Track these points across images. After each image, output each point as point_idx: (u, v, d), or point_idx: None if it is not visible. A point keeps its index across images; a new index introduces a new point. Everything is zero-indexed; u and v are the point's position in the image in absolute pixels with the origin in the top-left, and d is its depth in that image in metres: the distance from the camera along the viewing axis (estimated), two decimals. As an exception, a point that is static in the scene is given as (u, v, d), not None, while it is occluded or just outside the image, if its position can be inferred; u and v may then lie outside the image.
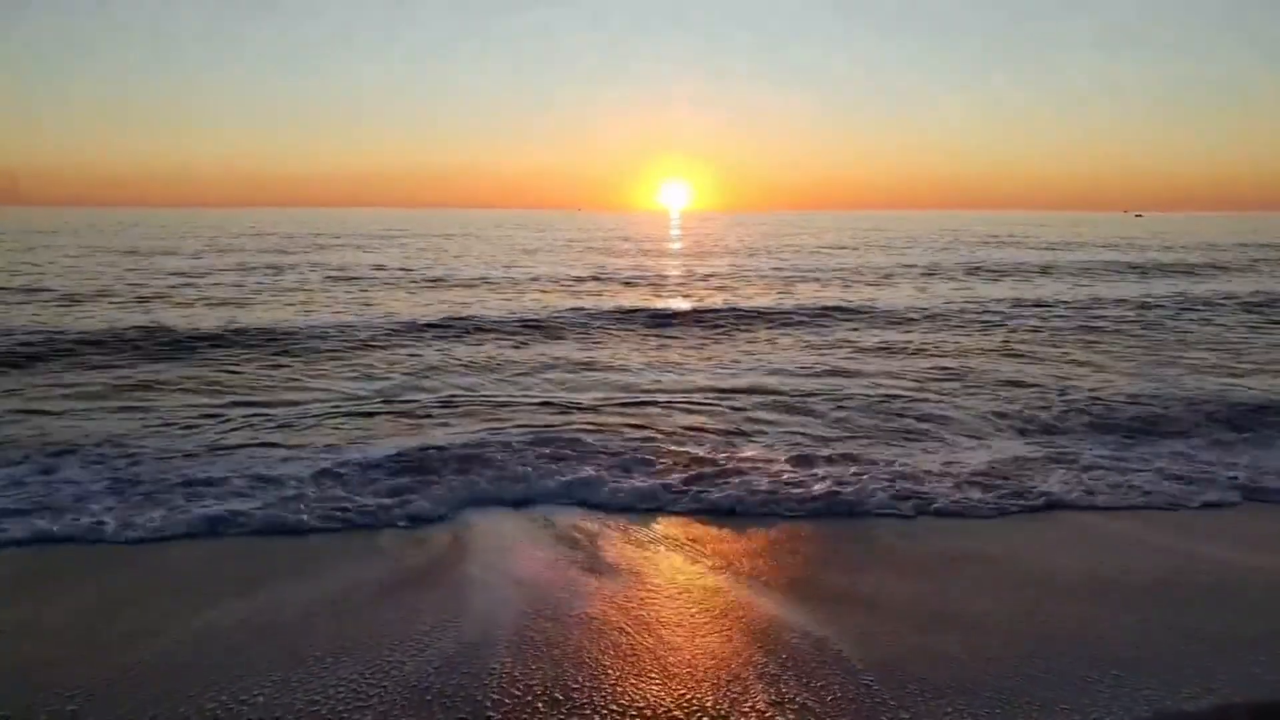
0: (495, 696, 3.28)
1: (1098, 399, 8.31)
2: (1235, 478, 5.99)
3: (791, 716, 3.17)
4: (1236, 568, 4.55)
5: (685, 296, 18.11)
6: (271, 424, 7.26)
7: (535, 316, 14.21)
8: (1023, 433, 7.28)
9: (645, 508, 5.42)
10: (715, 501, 5.47)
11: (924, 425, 7.40)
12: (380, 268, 24.25)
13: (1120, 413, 7.77)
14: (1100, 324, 14.17)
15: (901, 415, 7.72)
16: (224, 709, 3.19)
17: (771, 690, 3.33)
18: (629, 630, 3.81)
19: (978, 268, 25.90)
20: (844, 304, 16.47)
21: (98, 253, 28.49)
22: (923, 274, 23.99)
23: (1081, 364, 10.57)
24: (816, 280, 21.97)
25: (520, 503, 5.52)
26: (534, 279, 21.70)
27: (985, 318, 14.95)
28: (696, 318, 14.56)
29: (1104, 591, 4.26)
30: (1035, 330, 13.54)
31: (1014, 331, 13.38)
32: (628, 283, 21.03)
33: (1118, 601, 4.14)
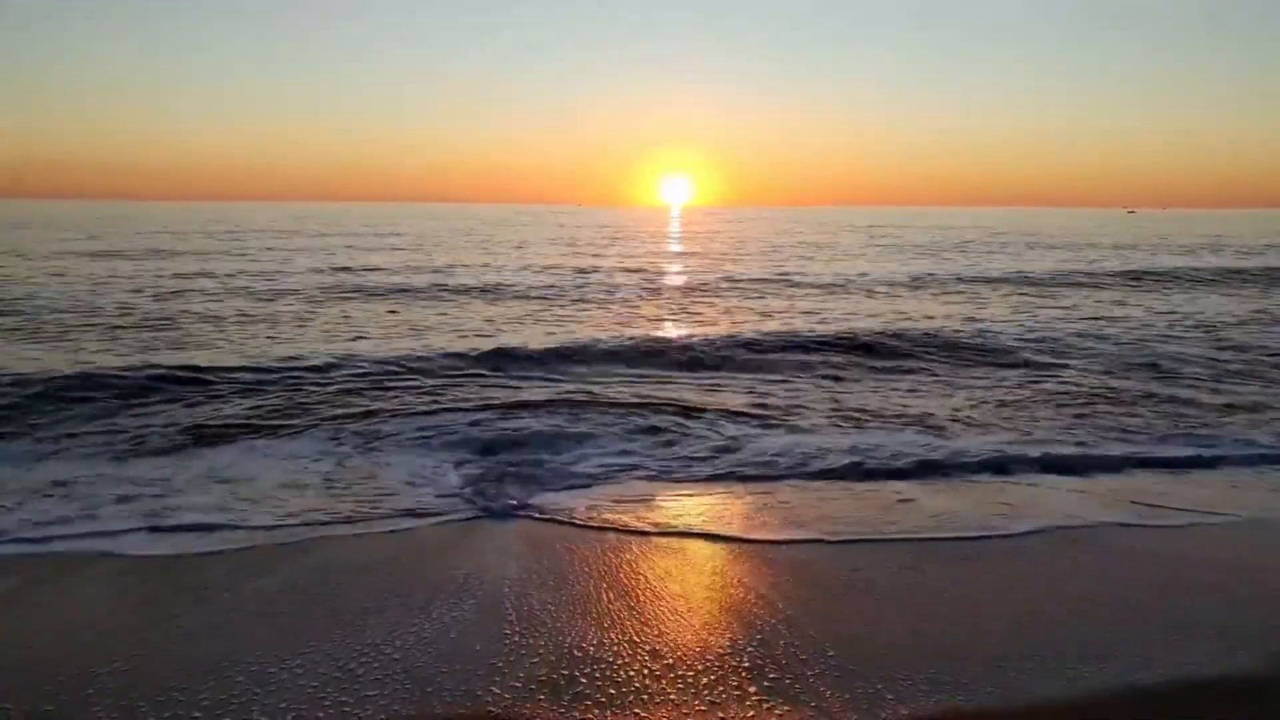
0: (496, 691, 3.35)
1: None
2: None
3: (785, 707, 3.23)
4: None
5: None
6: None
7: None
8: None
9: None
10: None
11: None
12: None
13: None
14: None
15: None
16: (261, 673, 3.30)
17: (763, 678, 3.39)
18: (628, 617, 3.88)
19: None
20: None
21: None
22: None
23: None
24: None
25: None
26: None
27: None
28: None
29: (1089, 589, 4.33)
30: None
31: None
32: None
33: (1102, 599, 4.22)
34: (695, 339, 12.10)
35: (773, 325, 13.62)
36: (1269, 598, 4.23)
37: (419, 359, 10.20)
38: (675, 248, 37.34)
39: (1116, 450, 6.70)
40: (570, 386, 8.85)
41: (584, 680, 3.39)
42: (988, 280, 22.00)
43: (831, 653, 3.60)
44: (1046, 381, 9.47)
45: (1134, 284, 21.40)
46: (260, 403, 8.00)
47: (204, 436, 6.87)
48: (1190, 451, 6.67)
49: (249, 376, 9.07)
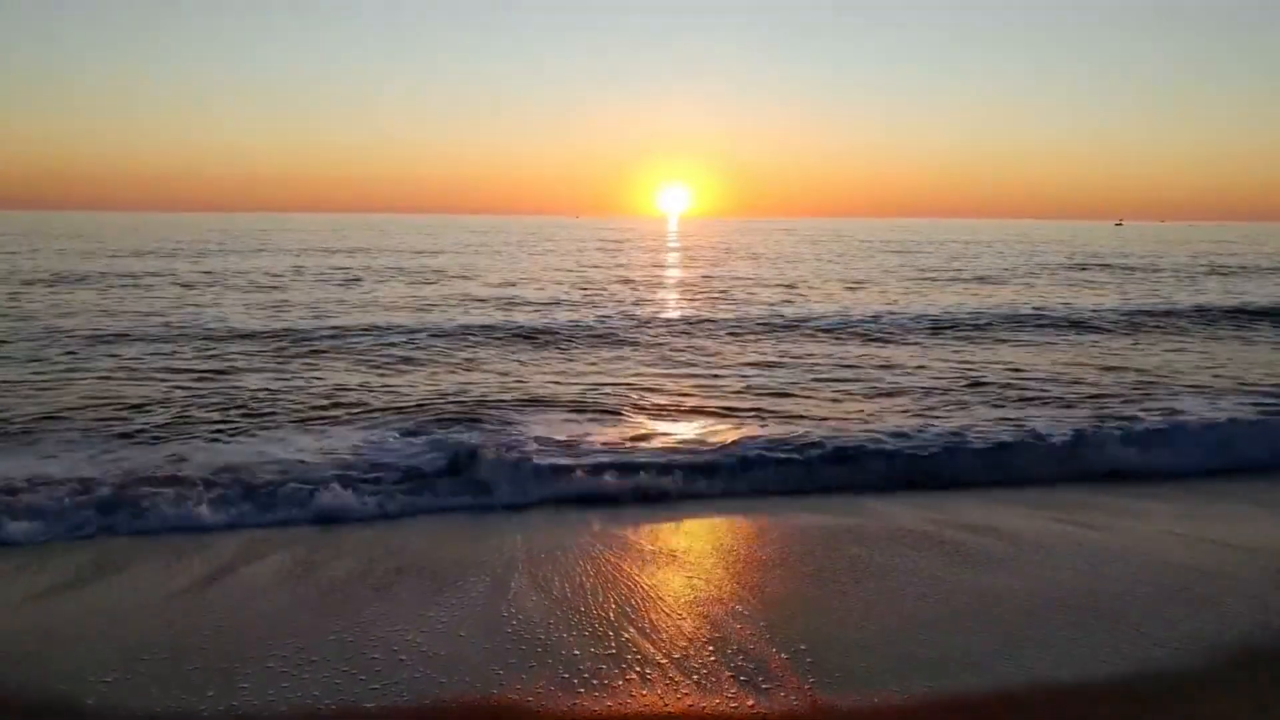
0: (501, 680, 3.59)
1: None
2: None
3: (761, 693, 3.47)
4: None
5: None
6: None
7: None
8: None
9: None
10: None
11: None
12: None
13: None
14: None
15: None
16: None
17: (743, 666, 3.63)
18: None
19: None
20: None
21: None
22: None
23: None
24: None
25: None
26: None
27: None
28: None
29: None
30: None
31: None
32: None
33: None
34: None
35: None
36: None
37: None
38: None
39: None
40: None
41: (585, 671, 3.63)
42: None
43: (804, 646, 3.87)
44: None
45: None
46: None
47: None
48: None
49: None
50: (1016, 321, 15.93)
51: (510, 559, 4.95)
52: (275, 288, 21.00)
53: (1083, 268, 30.79)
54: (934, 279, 25.86)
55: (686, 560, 4.99)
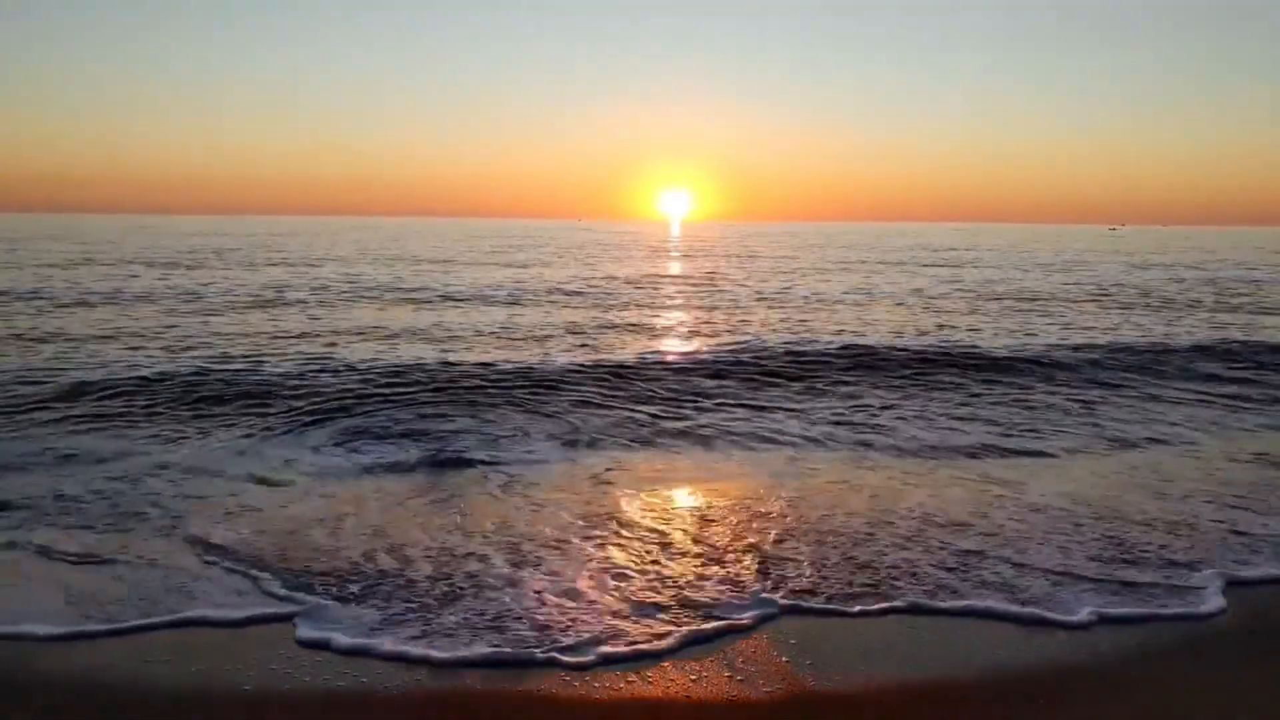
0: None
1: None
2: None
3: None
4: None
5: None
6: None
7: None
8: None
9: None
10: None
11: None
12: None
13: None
14: None
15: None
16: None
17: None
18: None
19: None
20: None
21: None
22: None
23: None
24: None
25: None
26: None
27: None
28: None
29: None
30: None
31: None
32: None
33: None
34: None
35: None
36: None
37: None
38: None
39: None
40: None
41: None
42: None
43: (800, 644, 3.89)
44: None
45: None
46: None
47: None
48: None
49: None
50: None
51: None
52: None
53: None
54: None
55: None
